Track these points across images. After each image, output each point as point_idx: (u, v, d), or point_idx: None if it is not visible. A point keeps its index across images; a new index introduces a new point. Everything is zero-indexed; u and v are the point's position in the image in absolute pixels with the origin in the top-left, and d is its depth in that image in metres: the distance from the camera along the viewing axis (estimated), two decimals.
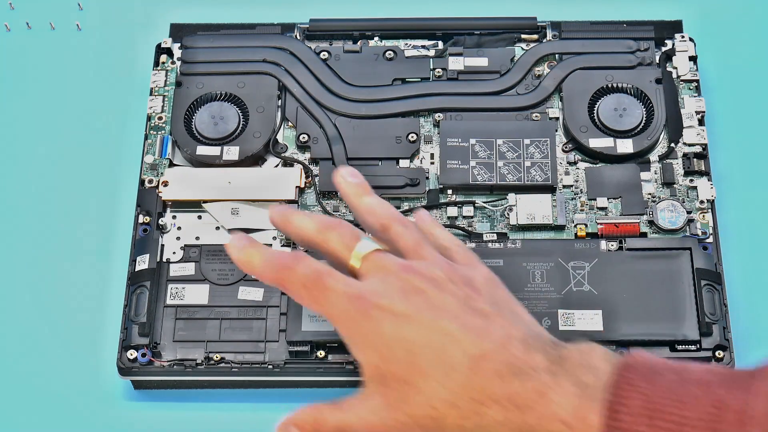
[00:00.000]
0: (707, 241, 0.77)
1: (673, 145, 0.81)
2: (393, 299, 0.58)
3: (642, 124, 0.82)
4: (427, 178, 0.81)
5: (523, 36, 0.87)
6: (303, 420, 0.61)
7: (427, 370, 0.57)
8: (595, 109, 0.82)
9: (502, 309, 0.59)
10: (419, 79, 0.84)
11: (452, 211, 0.79)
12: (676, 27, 0.87)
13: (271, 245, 0.77)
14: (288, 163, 0.81)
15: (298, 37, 0.87)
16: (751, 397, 0.51)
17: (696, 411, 0.52)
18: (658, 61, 0.84)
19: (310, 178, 0.81)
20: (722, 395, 0.52)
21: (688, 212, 0.78)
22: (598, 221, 0.78)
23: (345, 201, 0.67)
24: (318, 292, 0.60)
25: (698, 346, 0.73)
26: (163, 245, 0.78)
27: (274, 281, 0.62)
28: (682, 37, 0.86)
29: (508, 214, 0.79)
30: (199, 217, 0.80)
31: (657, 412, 0.52)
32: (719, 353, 0.74)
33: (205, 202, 0.79)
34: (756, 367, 0.54)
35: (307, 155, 0.82)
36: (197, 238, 0.78)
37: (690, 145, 0.81)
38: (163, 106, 0.84)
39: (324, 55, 0.86)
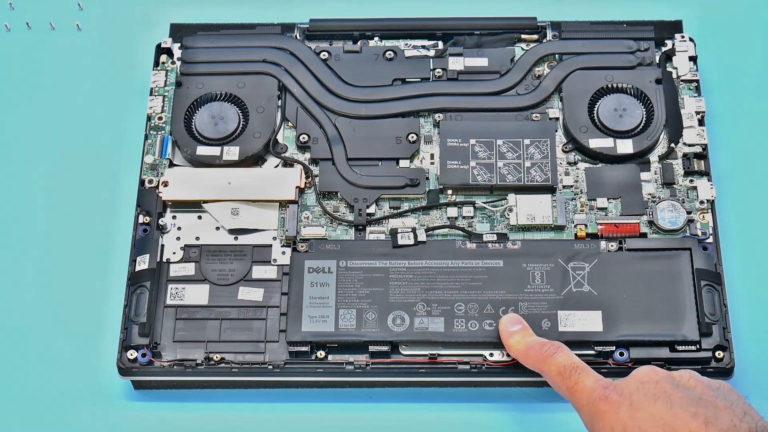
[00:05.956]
0: (707, 241, 0.77)
1: (673, 145, 0.81)
2: (632, 389, 0.65)
3: (642, 125, 0.81)
4: (427, 178, 0.81)
5: (523, 36, 0.87)
6: None
7: None
8: (595, 109, 0.82)
9: (735, 407, 0.64)
10: (419, 79, 0.84)
11: (452, 211, 0.79)
12: (676, 27, 0.86)
13: (270, 246, 0.78)
14: (288, 163, 0.81)
15: (298, 37, 0.87)
16: None
17: None
18: (658, 61, 0.84)
19: (310, 179, 0.81)
20: None
21: (688, 212, 0.78)
22: (598, 221, 0.78)
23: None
24: (571, 383, 0.67)
25: (698, 346, 0.74)
26: (163, 245, 0.78)
27: (534, 366, 0.71)
28: (682, 37, 0.85)
29: (508, 215, 0.79)
30: (199, 217, 0.80)
31: None
32: (719, 353, 0.74)
33: (205, 202, 0.79)
34: None
35: (307, 155, 0.82)
36: (197, 238, 0.78)
37: (690, 145, 0.81)
38: (163, 106, 0.84)
39: (324, 55, 0.85)
